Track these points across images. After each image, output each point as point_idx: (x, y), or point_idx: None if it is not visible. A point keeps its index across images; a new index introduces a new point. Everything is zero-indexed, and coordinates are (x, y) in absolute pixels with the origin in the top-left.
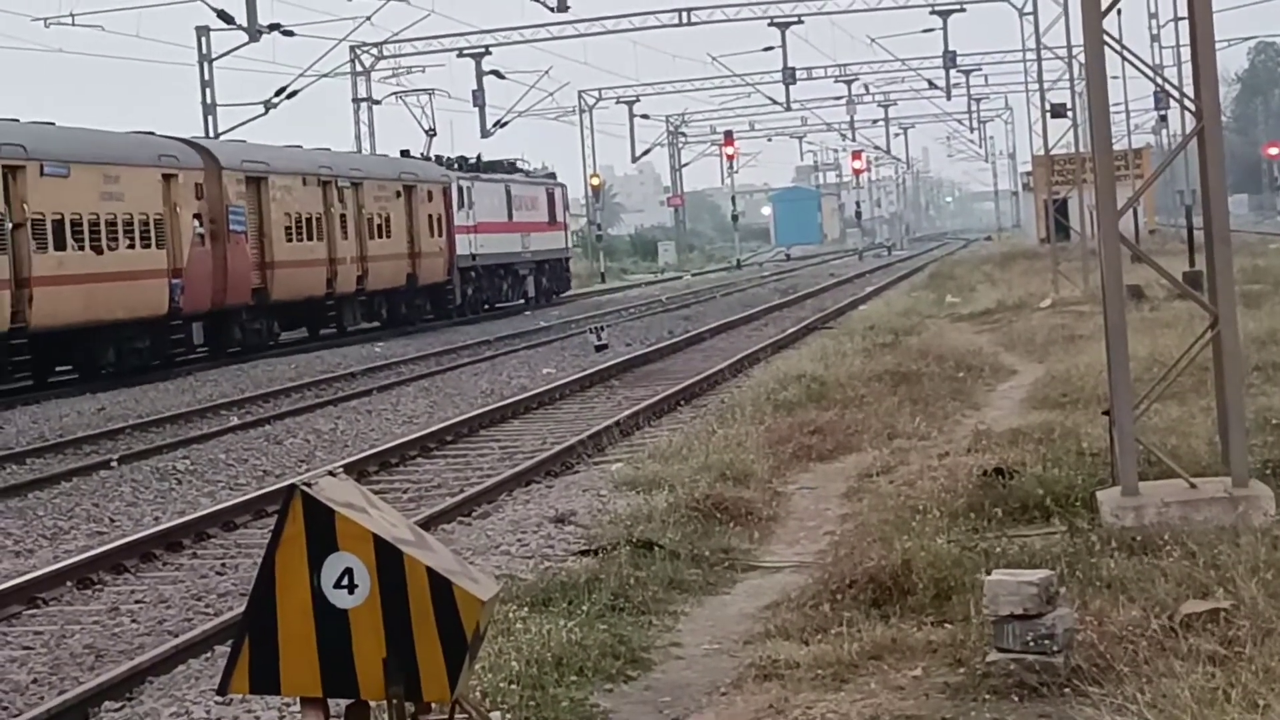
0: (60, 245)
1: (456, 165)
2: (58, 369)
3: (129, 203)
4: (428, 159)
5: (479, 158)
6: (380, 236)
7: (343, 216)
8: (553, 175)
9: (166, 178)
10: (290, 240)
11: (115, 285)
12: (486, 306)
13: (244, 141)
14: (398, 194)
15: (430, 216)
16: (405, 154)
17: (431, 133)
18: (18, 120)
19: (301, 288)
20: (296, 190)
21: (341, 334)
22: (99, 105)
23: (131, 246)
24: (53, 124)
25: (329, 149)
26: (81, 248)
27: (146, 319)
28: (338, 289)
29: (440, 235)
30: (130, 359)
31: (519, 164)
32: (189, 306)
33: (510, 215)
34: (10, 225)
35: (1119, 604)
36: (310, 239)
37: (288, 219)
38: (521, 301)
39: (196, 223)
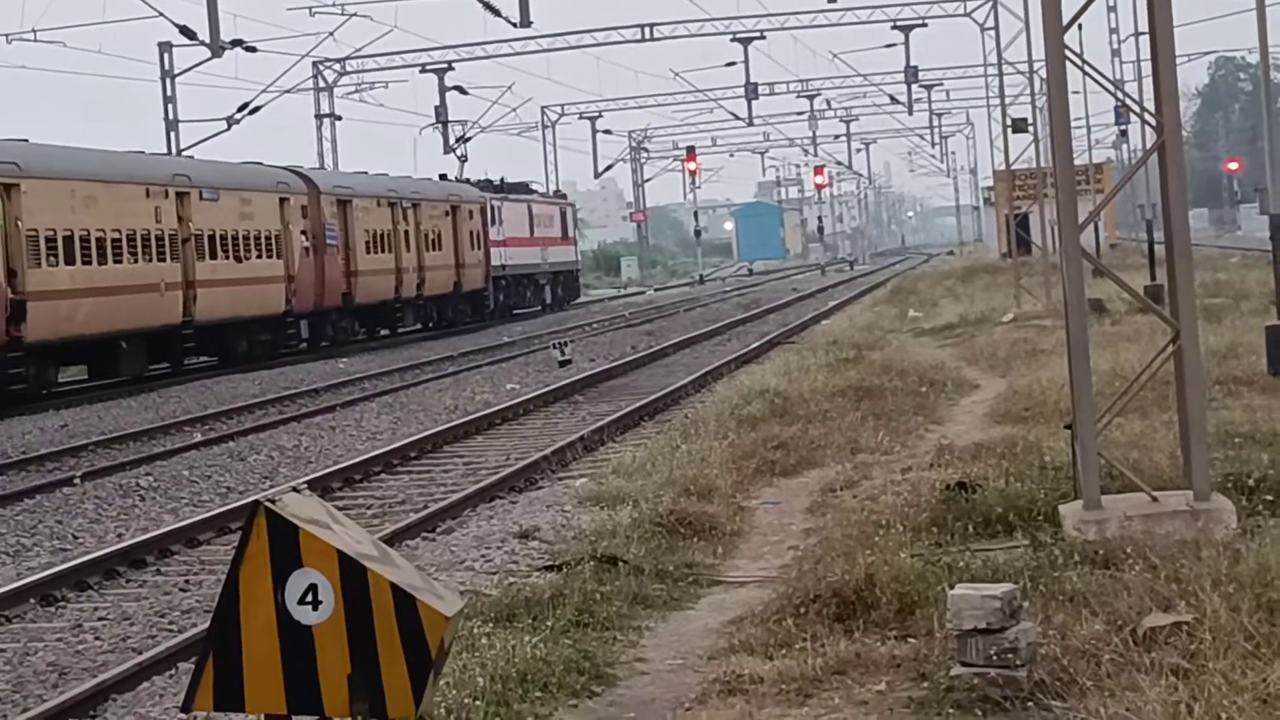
0: (214, 255)
1: (487, 187)
2: (200, 358)
3: (257, 221)
4: (461, 181)
5: (503, 180)
6: (434, 250)
7: (406, 233)
8: (563, 195)
9: (282, 201)
10: (369, 253)
11: (249, 288)
12: (516, 311)
13: (324, 168)
14: (446, 213)
15: (471, 232)
16: (443, 177)
17: (463, 159)
18: (166, 154)
19: (377, 292)
20: (373, 210)
21: (393, 334)
22: (61, 121)
23: (260, 256)
24: (193, 157)
25: (386, 174)
26: (228, 257)
27: (269, 316)
28: (402, 294)
29: (479, 249)
30: (255, 349)
31: (532, 185)
32: (298, 307)
33: (532, 231)
34: (181, 239)
35: (1082, 617)
36: (383, 252)
37: (367, 235)
38: (539, 307)
39: (303, 238)
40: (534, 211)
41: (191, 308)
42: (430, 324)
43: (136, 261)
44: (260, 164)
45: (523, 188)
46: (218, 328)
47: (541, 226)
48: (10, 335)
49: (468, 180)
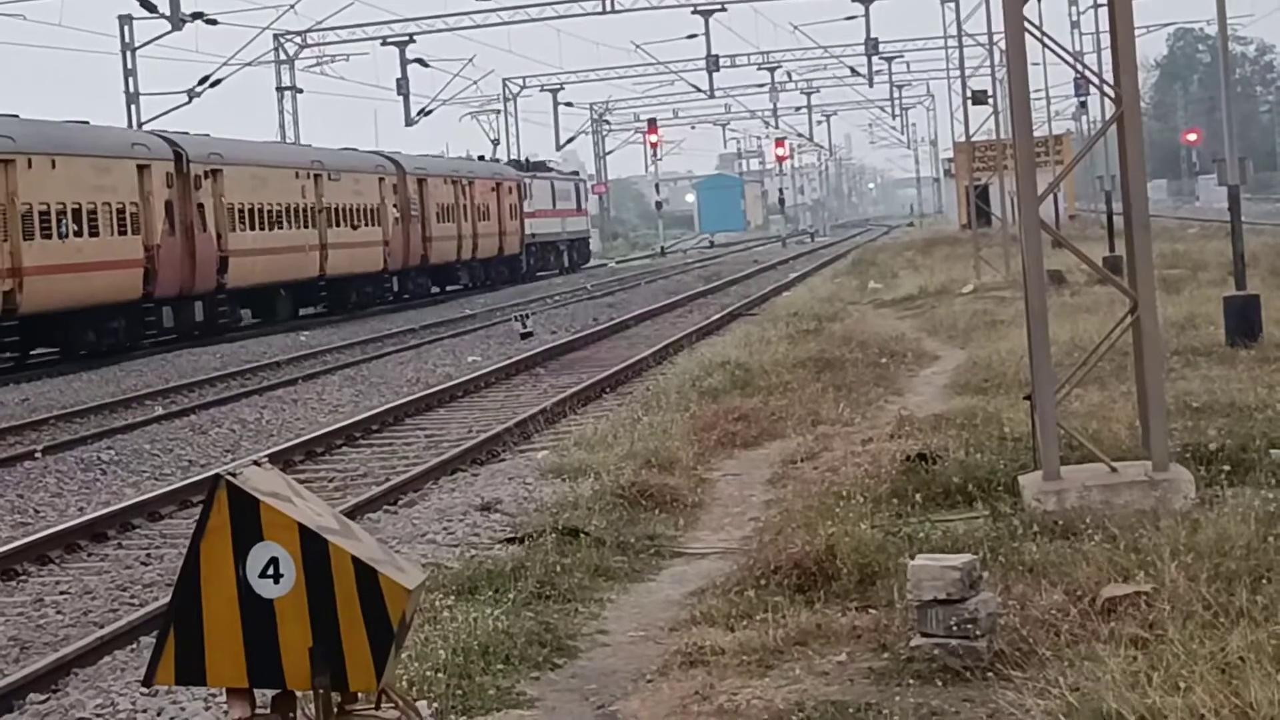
0: (338, 224)
1: (517, 166)
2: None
3: (364, 197)
4: (496, 160)
5: (528, 159)
6: (484, 220)
7: (465, 206)
8: (576, 173)
9: (380, 180)
10: (439, 222)
11: (360, 250)
12: (539, 273)
13: (400, 152)
14: (492, 189)
15: (510, 205)
16: (481, 158)
17: (496, 141)
18: (287, 143)
19: (445, 255)
20: (442, 187)
21: (443, 292)
22: (19, 93)
23: (366, 225)
24: (312, 145)
25: (443, 155)
26: (346, 225)
27: (372, 273)
28: (461, 257)
29: (516, 219)
30: (361, 300)
31: (550, 164)
32: (391, 266)
33: (554, 204)
34: (317, 211)
35: (1041, 588)
36: (449, 222)
37: (438, 207)
38: (557, 271)
39: (394, 210)
40: (555, 187)
41: (324, 265)
42: (475, 284)
43: (291, 228)
44: (356, 149)
45: (543, 166)
46: (340, 281)
47: (561, 200)
48: (218, 283)
49: (498, 159)
